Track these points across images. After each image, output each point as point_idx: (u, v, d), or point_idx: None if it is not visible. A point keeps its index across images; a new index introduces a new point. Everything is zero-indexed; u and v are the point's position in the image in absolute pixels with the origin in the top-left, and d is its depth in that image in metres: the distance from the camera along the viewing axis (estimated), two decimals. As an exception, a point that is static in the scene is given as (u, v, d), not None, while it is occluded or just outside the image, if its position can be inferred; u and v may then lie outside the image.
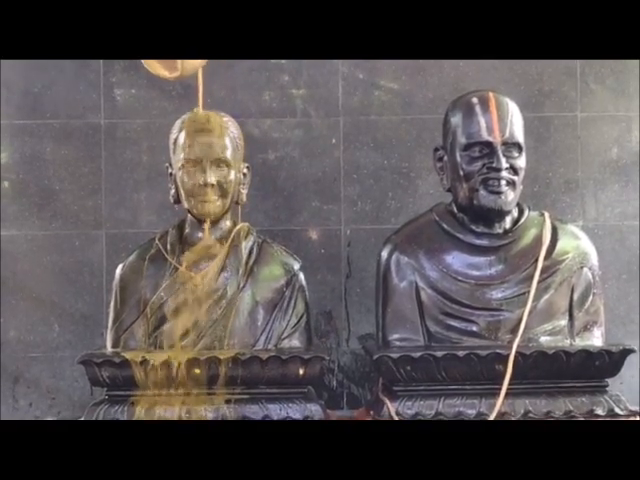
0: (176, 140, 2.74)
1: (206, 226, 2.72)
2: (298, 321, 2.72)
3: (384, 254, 2.76)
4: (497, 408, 2.50)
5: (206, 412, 2.55)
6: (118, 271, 2.79)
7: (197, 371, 2.54)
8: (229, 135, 2.74)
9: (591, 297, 2.71)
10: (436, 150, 2.78)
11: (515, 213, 2.74)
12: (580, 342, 2.65)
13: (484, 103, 2.66)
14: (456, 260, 2.70)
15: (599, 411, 2.54)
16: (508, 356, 2.51)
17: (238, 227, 2.79)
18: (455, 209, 2.75)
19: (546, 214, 2.77)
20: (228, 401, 2.56)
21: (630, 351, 2.57)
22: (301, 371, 2.56)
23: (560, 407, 2.54)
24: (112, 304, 2.76)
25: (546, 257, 2.67)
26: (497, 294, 2.66)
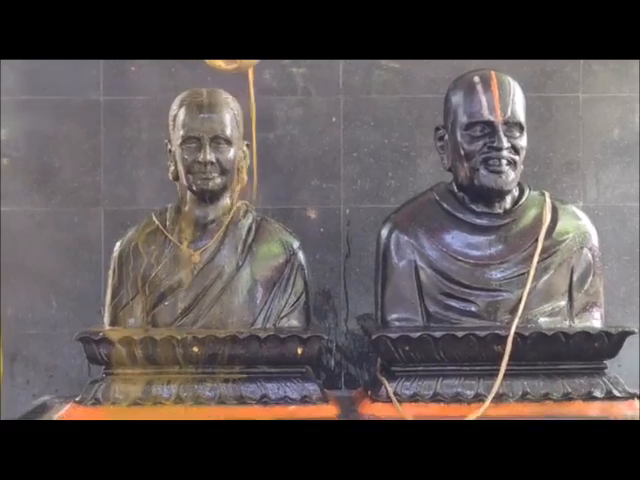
0: (176, 117, 2.72)
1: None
2: (297, 300, 2.72)
3: (384, 233, 2.75)
4: (495, 389, 2.50)
5: (204, 391, 2.55)
6: (116, 248, 2.78)
7: (195, 350, 2.54)
8: (229, 112, 2.72)
9: (591, 278, 2.70)
10: (437, 129, 2.77)
11: (515, 193, 2.73)
12: (579, 323, 2.65)
13: (486, 82, 2.64)
14: (456, 240, 2.69)
15: (597, 393, 2.54)
16: (507, 337, 2.50)
17: (237, 205, 2.78)
18: (455, 188, 2.74)
19: (547, 194, 2.76)
20: (226, 380, 2.56)
21: (629, 333, 2.56)
22: (299, 350, 2.56)
23: (558, 389, 2.54)
24: (110, 281, 2.76)
25: (546, 237, 2.66)
26: (497, 274, 2.65)
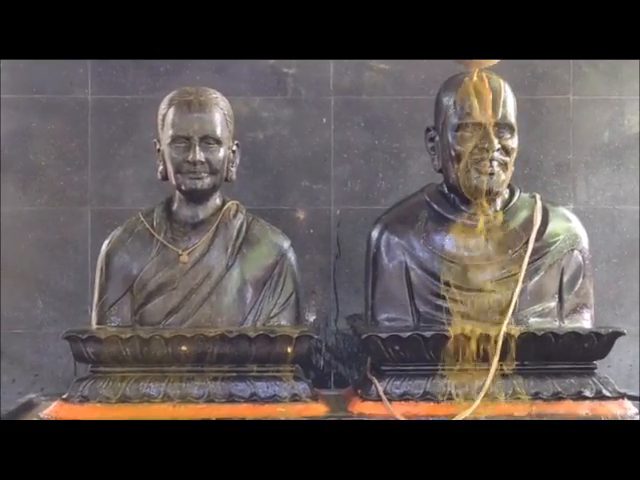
0: (165, 116, 2.71)
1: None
2: (287, 300, 2.71)
3: (374, 234, 2.75)
4: (485, 388, 2.49)
5: (192, 389, 2.53)
6: (104, 247, 2.76)
7: (184, 348, 2.52)
8: (219, 112, 2.71)
9: (581, 280, 2.71)
10: (428, 130, 2.77)
11: (506, 195, 2.73)
12: (569, 324, 2.65)
13: (477, 84, 2.64)
14: (446, 241, 2.69)
15: (587, 393, 2.55)
16: (497, 337, 2.50)
17: (227, 205, 2.76)
18: (446, 190, 2.74)
19: (537, 196, 2.77)
20: (215, 378, 2.55)
21: (619, 334, 2.57)
22: (289, 349, 2.55)
23: (548, 388, 2.55)
24: (98, 280, 2.74)
25: (537, 239, 2.67)
26: (487, 275, 2.65)
